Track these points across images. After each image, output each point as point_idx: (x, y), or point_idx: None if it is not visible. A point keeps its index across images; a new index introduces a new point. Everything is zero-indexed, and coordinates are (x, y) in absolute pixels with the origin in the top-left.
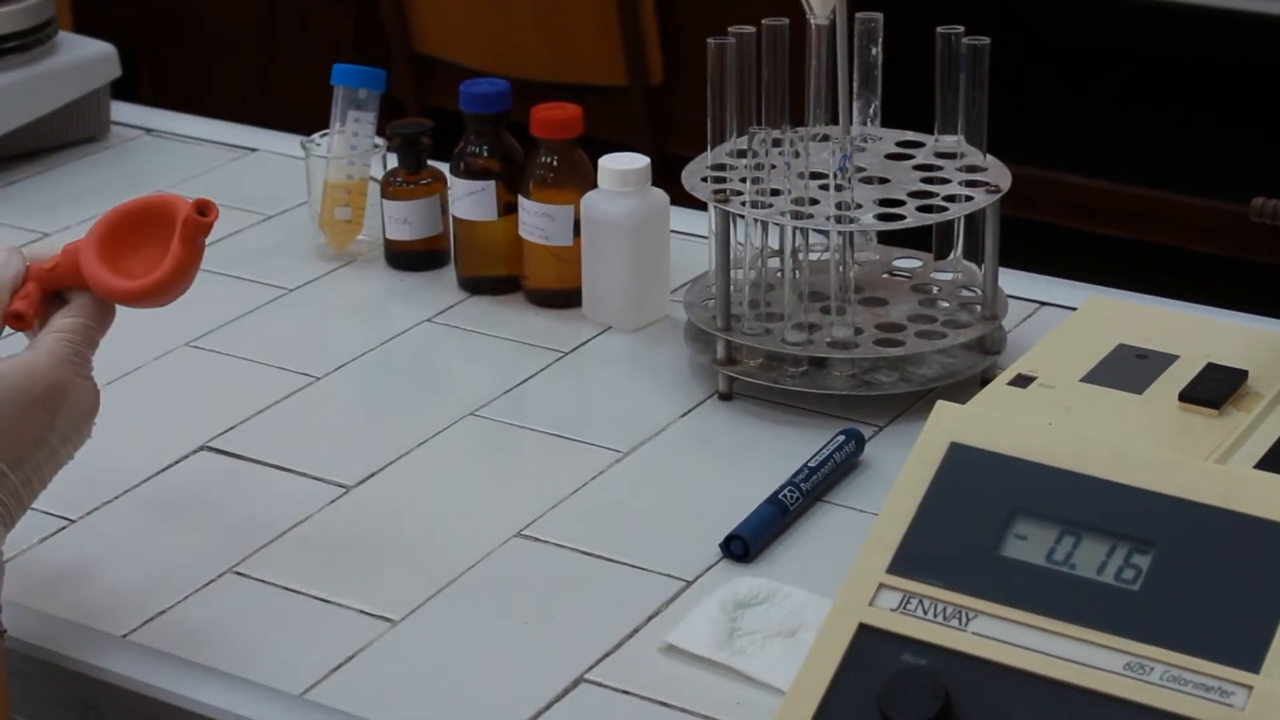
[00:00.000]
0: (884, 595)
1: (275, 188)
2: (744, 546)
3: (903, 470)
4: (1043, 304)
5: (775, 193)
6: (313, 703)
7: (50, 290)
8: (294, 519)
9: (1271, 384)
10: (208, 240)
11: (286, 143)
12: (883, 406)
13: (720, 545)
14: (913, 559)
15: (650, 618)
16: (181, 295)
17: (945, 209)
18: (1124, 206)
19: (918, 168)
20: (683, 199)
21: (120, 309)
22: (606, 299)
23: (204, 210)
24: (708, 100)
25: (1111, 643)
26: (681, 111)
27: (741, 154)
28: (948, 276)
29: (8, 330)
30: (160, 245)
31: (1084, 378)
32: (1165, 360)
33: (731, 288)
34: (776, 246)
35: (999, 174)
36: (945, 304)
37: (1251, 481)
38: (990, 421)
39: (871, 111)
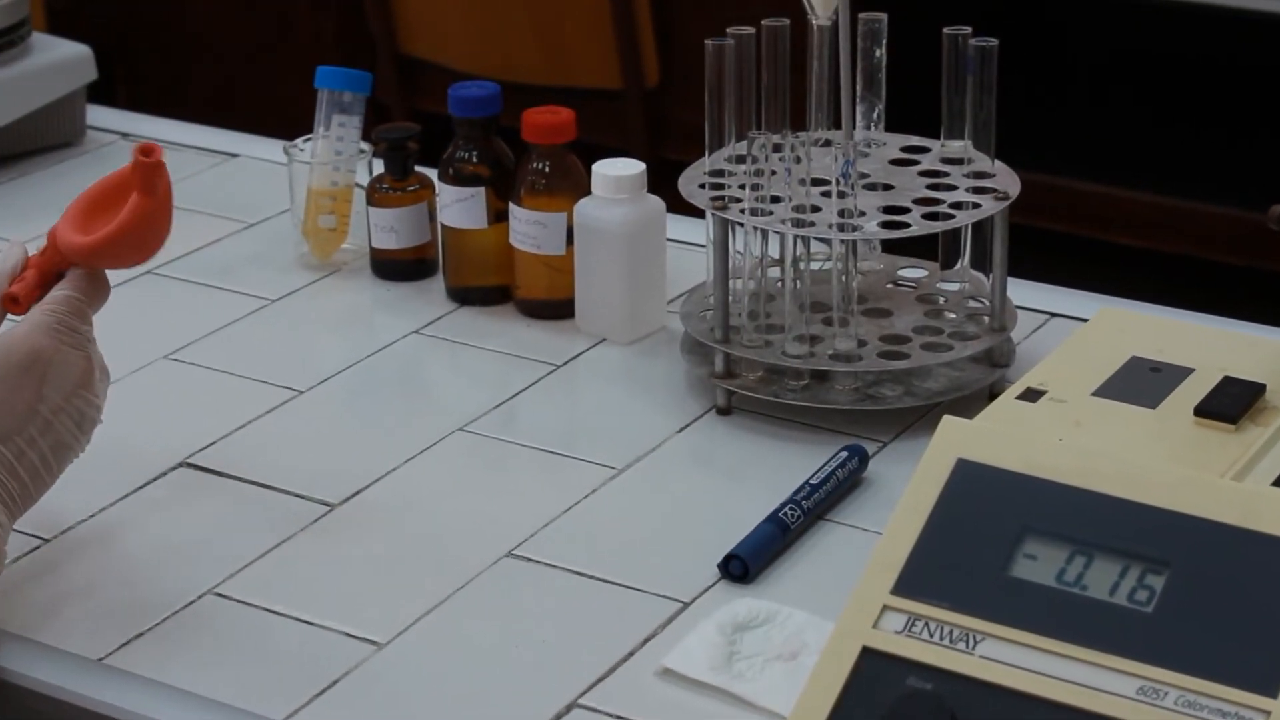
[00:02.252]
0: (888, 617)
1: (257, 194)
2: (743, 567)
3: (908, 488)
4: (1053, 315)
5: (775, 200)
6: None
7: (49, 275)
8: (276, 538)
9: None
10: (189, 249)
11: (268, 148)
12: (887, 421)
13: (718, 565)
14: (918, 580)
15: (646, 640)
16: (156, 248)
17: (952, 216)
18: (1137, 214)
19: (923, 174)
20: (679, 206)
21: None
22: (600, 310)
23: (146, 152)
24: (705, 104)
25: (1124, 666)
26: (678, 115)
27: (740, 159)
28: (954, 287)
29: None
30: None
31: (1096, 391)
32: (1180, 373)
33: (730, 298)
34: (777, 255)
35: (1007, 180)
36: (952, 315)
37: (1269, 499)
38: (998, 437)
39: (875, 115)
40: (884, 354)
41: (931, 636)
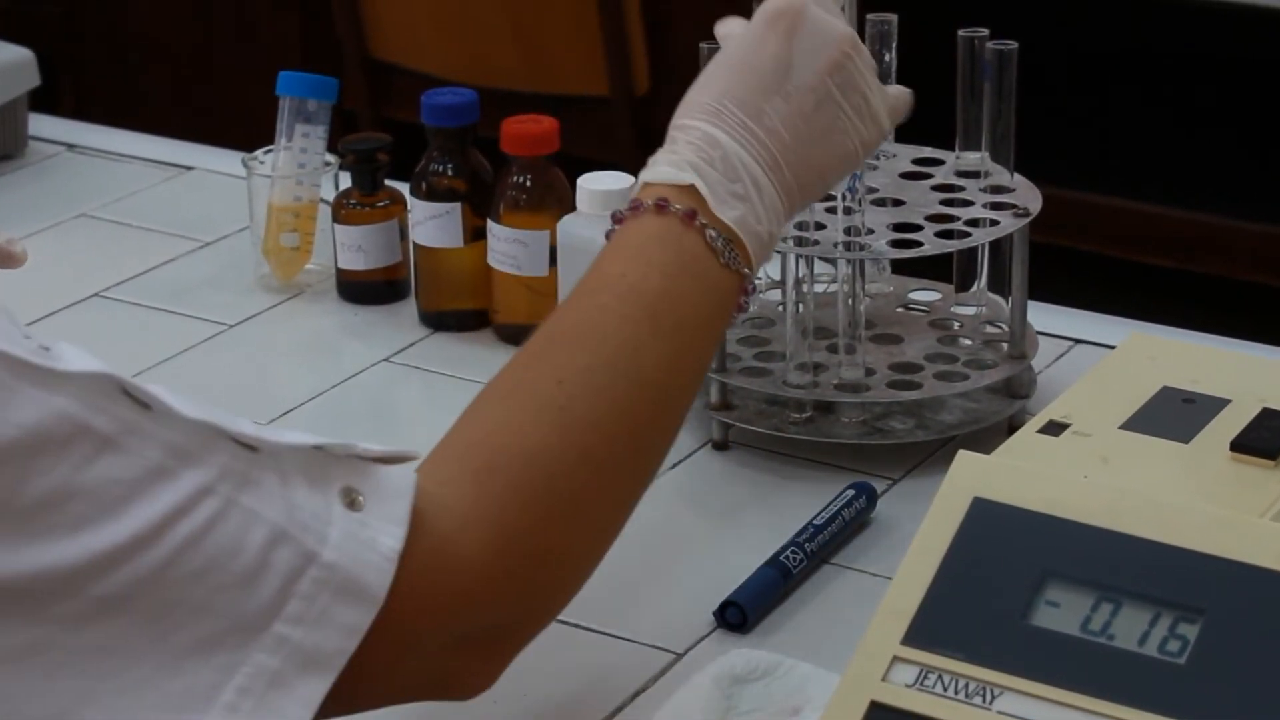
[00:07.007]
0: (898, 669)
1: (214, 211)
2: (741, 615)
3: (919, 529)
4: (1077, 341)
5: None
6: None
7: None
8: None
9: None
10: (140, 270)
11: (226, 160)
12: (897, 457)
13: (714, 613)
14: (931, 628)
15: (636, 694)
16: None
17: (968, 235)
18: (1168, 232)
19: (937, 188)
20: None
21: None
22: None
23: None
24: None
25: None
26: (670, 125)
27: None
28: (970, 311)
29: None
30: None
31: (1124, 425)
32: (1215, 405)
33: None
34: (777, 277)
35: (1028, 195)
36: (967, 342)
37: None
38: (1018, 474)
39: None
40: (894, 384)
41: (945, 690)
